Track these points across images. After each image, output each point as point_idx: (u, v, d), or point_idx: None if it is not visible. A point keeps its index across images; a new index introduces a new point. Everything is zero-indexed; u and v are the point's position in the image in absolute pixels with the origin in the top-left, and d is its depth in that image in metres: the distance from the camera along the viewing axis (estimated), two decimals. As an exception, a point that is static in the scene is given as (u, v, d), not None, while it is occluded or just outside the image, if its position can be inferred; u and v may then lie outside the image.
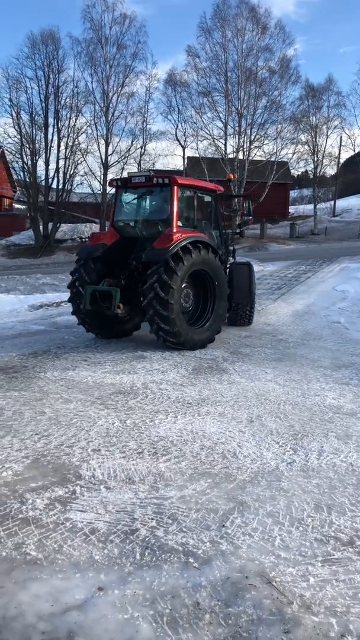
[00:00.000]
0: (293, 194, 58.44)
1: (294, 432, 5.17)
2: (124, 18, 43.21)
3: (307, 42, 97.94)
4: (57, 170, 43.35)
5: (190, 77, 42.59)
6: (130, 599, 2.70)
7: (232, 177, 12.37)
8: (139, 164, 45.77)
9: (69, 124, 43.80)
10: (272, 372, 7.53)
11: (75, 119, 44.15)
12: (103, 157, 44.69)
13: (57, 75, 43.61)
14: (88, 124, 44.55)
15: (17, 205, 51.53)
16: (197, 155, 42.56)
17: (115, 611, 2.61)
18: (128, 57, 43.66)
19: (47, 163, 43.49)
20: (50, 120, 43.63)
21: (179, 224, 9.09)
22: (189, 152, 46.38)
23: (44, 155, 43.55)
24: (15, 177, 48.63)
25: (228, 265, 10.79)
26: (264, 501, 3.77)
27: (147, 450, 4.64)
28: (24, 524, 3.40)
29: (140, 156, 45.56)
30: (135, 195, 9.90)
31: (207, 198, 10.25)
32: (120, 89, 44.15)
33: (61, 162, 43.21)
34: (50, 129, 43.69)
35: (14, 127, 43.39)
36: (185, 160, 46.71)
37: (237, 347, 9.24)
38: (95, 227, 45.73)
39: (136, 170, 45.18)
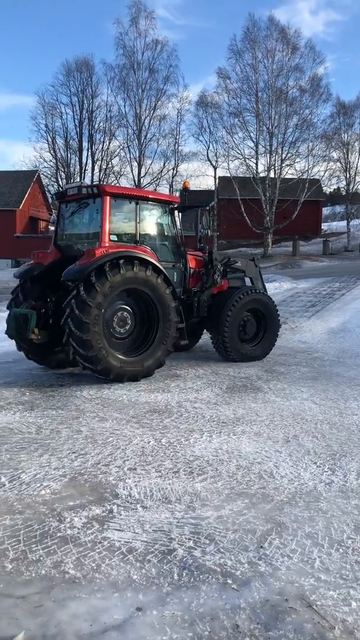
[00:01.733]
0: (325, 211, 58.04)
1: (332, 452, 5.09)
2: (156, 43, 44.27)
3: (337, 61, 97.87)
4: (91, 192, 44.07)
5: (221, 98, 43.10)
6: (168, 620, 2.68)
7: (188, 185, 11.19)
8: (171, 185, 46.33)
9: (102, 148, 44.92)
10: (308, 390, 7.44)
11: (109, 143, 45.24)
12: (136, 179, 45.44)
13: (91, 101, 44.92)
14: (121, 147, 45.55)
15: (52, 228, 52.69)
16: (229, 175, 42.83)
17: (154, 632, 2.60)
18: (160, 81, 44.65)
19: (81, 186, 44.35)
20: (85, 144, 44.83)
21: (114, 238, 8.20)
22: (221, 172, 46.75)
23: (78, 179, 44.58)
24: (50, 200, 49.86)
25: (212, 290, 9.53)
26: (302, 522, 3.70)
27: (182, 470, 4.62)
28: (63, 543, 3.43)
29: (172, 177, 46.20)
30: (74, 210, 8.98)
31: (159, 210, 9.10)
32: (152, 112, 45.06)
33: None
34: (85, 153, 44.88)
35: (50, 152, 44.73)
36: (217, 180, 47.04)
37: (271, 366, 9.17)
38: (128, 248, 46.24)
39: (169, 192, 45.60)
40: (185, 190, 10.65)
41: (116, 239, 8.26)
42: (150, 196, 9.15)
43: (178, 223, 9.37)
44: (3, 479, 4.39)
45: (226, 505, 3.95)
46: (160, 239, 9.20)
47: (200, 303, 9.33)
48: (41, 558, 3.25)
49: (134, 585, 2.98)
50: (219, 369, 8.81)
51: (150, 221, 9.06)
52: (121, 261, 7.66)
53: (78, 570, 3.12)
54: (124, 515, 3.81)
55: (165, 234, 9.26)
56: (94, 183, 8.95)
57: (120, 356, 7.87)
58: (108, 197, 8.18)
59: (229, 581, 3.01)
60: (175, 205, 9.31)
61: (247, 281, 10.70)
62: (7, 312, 8.75)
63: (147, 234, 8.94)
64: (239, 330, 9.58)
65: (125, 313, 8.13)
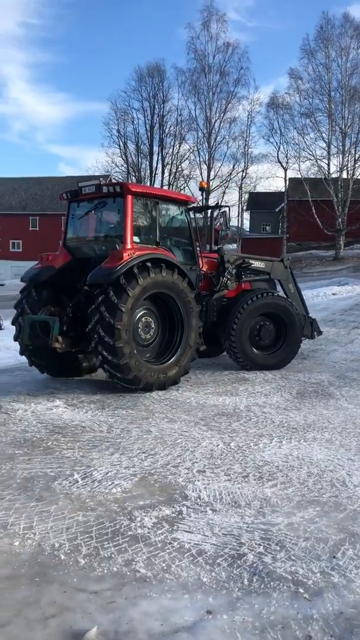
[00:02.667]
0: None
1: None
2: (227, 46, 44.43)
3: None
4: (160, 196, 44.79)
5: (293, 99, 42.64)
6: (239, 626, 2.66)
7: (205, 185, 10.42)
8: (240, 188, 46.12)
9: (172, 151, 45.43)
10: (383, 398, 7.18)
11: (179, 146, 45.73)
12: (205, 182, 45.51)
13: (162, 105, 45.61)
14: (191, 150, 45.87)
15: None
16: (299, 177, 42.17)
17: (225, 637, 2.58)
18: (230, 84, 44.77)
19: (151, 190, 45.14)
20: (155, 149, 45.57)
21: (136, 240, 7.74)
22: (291, 174, 46.17)
23: (148, 183, 45.27)
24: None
25: (225, 294, 9.00)
26: (377, 534, 3.57)
27: (252, 475, 4.58)
28: (133, 541, 3.47)
29: (242, 180, 46.00)
30: (88, 209, 8.40)
31: (176, 210, 8.67)
32: (222, 114, 45.17)
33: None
34: (155, 157, 45.55)
35: (121, 157, 45.73)
36: (287, 182, 46.44)
37: (343, 371, 8.93)
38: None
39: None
40: (202, 190, 10.12)
41: (138, 240, 7.85)
42: (169, 195, 8.73)
43: (194, 224, 8.92)
44: (76, 476, 4.51)
45: (297, 512, 3.88)
46: (177, 241, 8.79)
47: (209, 307, 8.77)
48: (113, 555, 3.31)
49: (203, 588, 2.98)
50: (289, 374, 8.67)
51: (169, 222, 8.69)
52: (150, 264, 7.32)
53: (148, 569, 3.15)
54: (193, 517, 3.81)
55: (182, 235, 8.82)
56: (117, 181, 7.96)
57: (149, 364, 7.55)
58: (130, 196, 7.73)
59: (301, 590, 2.95)
60: (192, 206, 8.89)
61: (277, 284, 9.97)
62: (15, 319, 8.13)
63: (166, 235, 8.54)
64: (253, 336, 8.98)
65: (149, 318, 7.72)
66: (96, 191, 8.01)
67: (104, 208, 8.25)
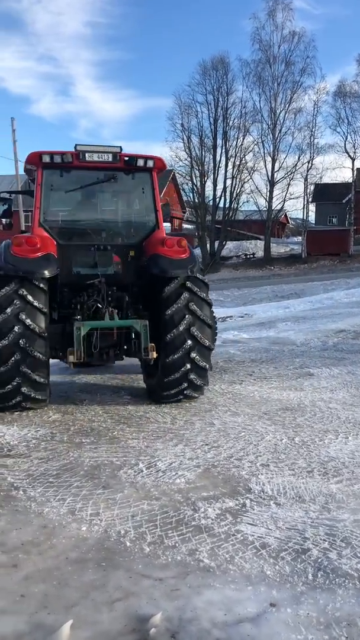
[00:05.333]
0: None
1: None
2: (293, 35, 43.62)
3: None
4: (224, 189, 44.71)
5: (361, 86, 41.25)
6: (303, 620, 2.64)
7: None
8: (306, 179, 45.25)
9: (236, 144, 45.12)
10: None
11: (243, 139, 45.33)
12: (269, 174, 45.02)
13: (226, 98, 45.34)
14: (255, 142, 45.39)
15: (186, 225, 53.93)
16: (368, 166, 40.86)
17: (289, 630, 2.57)
18: (296, 74, 43.98)
19: (215, 183, 45.06)
20: (219, 142, 45.33)
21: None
22: (359, 164, 44.77)
23: (212, 176, 45.17)
24: (185, 198, 51.06)
25: None
26: None
27: (317, 470, 4.51)
28: (197, 532, 3.50)
29: (307, 171, 45.10)
30: (81, 182, 6.76)
31: None
32: (287, 105, 44.40)
33: (228, 182, 44.53)
34: (219, 150, 45.36)
35: (185, 151, 45.83)
36: (355, 173, 45.11)
37: None
38: (260, 244, 46.17)
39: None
40: None
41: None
42: None
43: None
44: (141, 465, 4.60)
45: (364, 510, 3.79)
46: None
47: None
48: (177, 544, 3.35)
49: (267, 581, 2.97)
50: (356, 369, 8.45)
51: None
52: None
53: (212, 559, 3.18)
54: (257, 510, 3.80)
55: None
56: (149, 155, 6.41)
57: None
58: (154, 173, 6.77)
59: (368, 588, 2.89)
60: None
61: None
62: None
63: None
64: None
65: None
66: (113, 161, 6.48)
67: (112, 183, 6.79)
